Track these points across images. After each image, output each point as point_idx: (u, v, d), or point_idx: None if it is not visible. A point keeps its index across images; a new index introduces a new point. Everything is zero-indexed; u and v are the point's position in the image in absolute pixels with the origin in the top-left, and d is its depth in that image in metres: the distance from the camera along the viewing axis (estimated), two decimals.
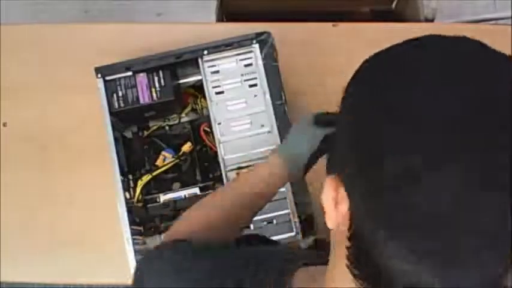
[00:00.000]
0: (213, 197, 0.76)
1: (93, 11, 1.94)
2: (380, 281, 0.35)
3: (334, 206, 0.39)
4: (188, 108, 1.03)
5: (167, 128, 1.03)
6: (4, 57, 1.09)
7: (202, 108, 1.02)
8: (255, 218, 0.91)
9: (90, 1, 1.94)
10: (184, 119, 1.03)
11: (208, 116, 0.97)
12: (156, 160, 0.99)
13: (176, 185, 0.98)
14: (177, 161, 0.97)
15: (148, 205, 0.97)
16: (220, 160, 0.95)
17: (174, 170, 0.97)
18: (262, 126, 0.95)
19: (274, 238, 0.92)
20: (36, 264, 1.07)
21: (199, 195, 0.96)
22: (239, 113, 0.96)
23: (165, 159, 0.98)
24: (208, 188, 0.97)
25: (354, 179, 0.37)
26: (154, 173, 0.96)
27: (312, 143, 0.72)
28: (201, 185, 0.97)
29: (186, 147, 0.97)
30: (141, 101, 0.98)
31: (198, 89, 1.02)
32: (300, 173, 0.73)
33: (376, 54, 0.40)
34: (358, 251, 0.38)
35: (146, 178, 0.96)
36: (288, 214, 0.92)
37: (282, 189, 0.92)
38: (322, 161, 1.02)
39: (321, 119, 0.74)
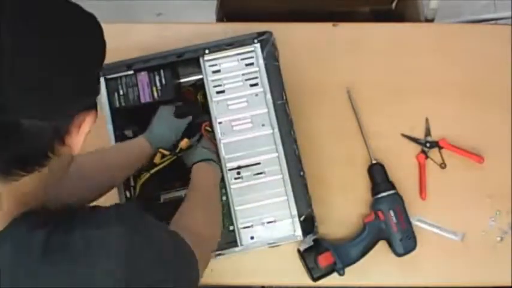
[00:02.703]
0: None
1: (93, 11, 1.93)
2: None
3: None
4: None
5: None
6: None
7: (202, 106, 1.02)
8: (256, 218, 0.92)
9: (90, 1, 1.93)
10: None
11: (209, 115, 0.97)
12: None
13: (177, 183, 0.98)
14: (175, 157, 0.96)
15: (150, 203, 0.96)
16: (221, 159, 0.94)
17: (175, 169, 0.97)
18: (263, 125, 0.95)
19: (274, 238, 0.92)
20: None
21: None
22: (240, 112, 0.96)
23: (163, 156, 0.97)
24: None
25: None
26: (152, 171, 0.95)
27: (176, 133, 0.96)
28: None
29: (184, 143, 0.96)
30: (142, 100, 0.98)
31: (199, 88, 1.02)
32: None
33: None
34: None
35: (144, 176, 0.95)
36: (288, 214, 0.92)
37: (282, 189, 0.93)
38: (324, 164, 1.02)
39: (180, 113, 0.97)
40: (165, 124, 0.96)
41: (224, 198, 0.94)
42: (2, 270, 0.47)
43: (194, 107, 1.01)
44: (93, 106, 0.51)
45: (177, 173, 0.95)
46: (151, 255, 0.53)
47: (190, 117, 0.98)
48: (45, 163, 0.48)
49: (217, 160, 0.94)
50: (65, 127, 0.48)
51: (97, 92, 0.52)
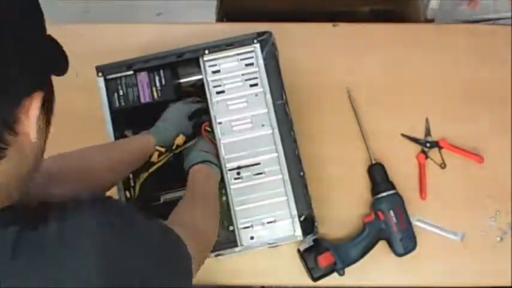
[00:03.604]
0: (86, 151, 0.83)
1: (93, 11, 1.94)
2: None
3: None
4: None
5: None
6: None
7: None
8: (256, 218, 0.92)
9: (90, 1, 1.94)
10: None
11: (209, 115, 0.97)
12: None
13: (177, 184, 0.98)
14: (171, 154, 0.95)
15: (149, 204, 0.96)
16: (221, 159, 0.94)
17: (174, 169, 0.96)
18: (263, 125, 0.95)
19: (274, 238, 0.92)
20: None
21: None
22: (240, 112, 0.96)
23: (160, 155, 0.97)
24: None
25: None
26: (150, 170, 0.95)
27: (184, 133, 0.95)
28: None
29: (179, 139, 0.95)
30: (142, 100, 0.98)
31: (199, 88, 1.02)
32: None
33: None
34: None
35: (143, 176, 0.95)
36: (288, 214, 0.92)
37: (282, 189, 0.93)
38: (324, 164, 1.02)
39: (193, 115, 0.97)
40: (173, 121, 0.95)
41: (224, 198, 0.94)
42: None
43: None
44: (38, 88, 0.48)
45: (177, 173, 0.95)
46: (134, 249, 0.50)
47: (195, 119, 0.98)
48: (1, 155, 0.45)
49: (216, 161, 0.94)
50: (11, 116, 0.45)
51: (42, 72, 0.49)
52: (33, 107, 0.47)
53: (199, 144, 0.96)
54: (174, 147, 0.94)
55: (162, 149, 0.93)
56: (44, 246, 0.45)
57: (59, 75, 0.53)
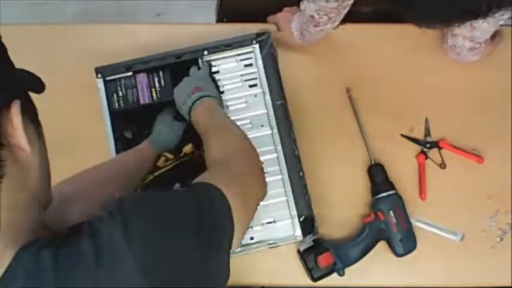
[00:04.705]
0: (95, 169, 0.85)
1: (93, 11, 1.94)
2: None
3: None
4: None
5: None
6: None
7: None
8: (255, 219, 0.91)
9: (90, 1, 1.94)
10: None
11: None
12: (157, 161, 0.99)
13: (177, 186, 0.98)
14: (178, 162, 0.96)
15: None
16: None
17: (175, 171, 0.97)
18: (262, 126, 0.95)
19: (274, 238, 0.92)
20: None
21: None
22: (239, 113, 0.96)
23: (167, 160, 0.98)
24: None
25: None
26: (156, 174, 0.95)
27: (177, 133, 0.97)
28: None
29: (188, 148, 0.96)
30: (141, 101, 0.98)
31: None
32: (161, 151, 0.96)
33: None
34: None
35: (147, 178, 0.95)
36: (288, 214, 0.92)
37: (282, 190, 0.93)
38: (324, 164, 1.02)
39: (178, 117, 0.95)
40: (167, 125, 0.97)
41: None
42: None
43: None
44: (10, 97, 0.47)
45: (181, 177, 0.95)
46: (170, 231, 0.49)
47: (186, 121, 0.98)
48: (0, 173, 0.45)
49: (208, 92, 0.90)
50: None
51: (8, 77, 0.48)
52: (14, 114, 0.46)
53: (181, 91, 0.92)
54: (182, 155, 0.95)
55: (170, 155, 0.94)
56: (84, 260, 0.45)
57: (38, 93, 0.53)
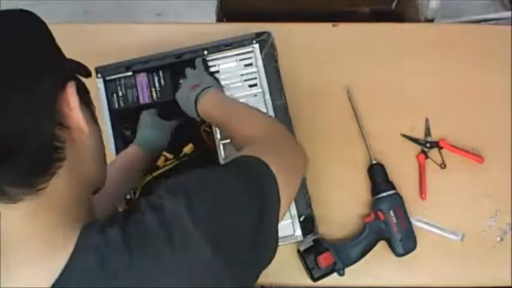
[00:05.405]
0: None
1: (93, 11, 1.94)
2: None
3: None
4: None
5: None
6: None
7: None
8: None
9: (90, 1, 1.94)
10: None
11: None
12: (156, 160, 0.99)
13: None
14: (178, 161, 0.96)
15: None
16: (221, 161, 0.94)
17: (174, 170, 0.96)
18: None
19: None
20: None
21: None
22: None
23: (166, 159, 0.98)
24: None
25: None
26: (155, 173, 0.95)
27: (161, 132, 0.95)
28: None
29: (188, 148, 0.96)
30: (141, 101, 0.98)
31: None
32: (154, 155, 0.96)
33: None
34: None
35: (146, 178, 0.96)
36: (288, 214, 0.92)
37: None
38: (324, 164, 1.02)
39: (164, 116, 0.96)
40: (148, 125, 0.95)
41: None
42: (97, 277, 0.44)
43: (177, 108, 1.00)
44: (66, 77, 0.49)
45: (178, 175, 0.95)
46: (227, 206, 0.51)
47: (178, 120, 0.97)
48: (61, 155, 0.45)
49: (209, 83, 0.90)
50: (55, 110, 0.46)
51: (60, 62, 0.50)
52: (70, 94, 0.48)
53: (181, 94, 0.91)
54: (182, 155, 0.95)
55: (170, 155, 0.94)
56: (154, 236, 0.46)
57: (86, 77, 0.55)
